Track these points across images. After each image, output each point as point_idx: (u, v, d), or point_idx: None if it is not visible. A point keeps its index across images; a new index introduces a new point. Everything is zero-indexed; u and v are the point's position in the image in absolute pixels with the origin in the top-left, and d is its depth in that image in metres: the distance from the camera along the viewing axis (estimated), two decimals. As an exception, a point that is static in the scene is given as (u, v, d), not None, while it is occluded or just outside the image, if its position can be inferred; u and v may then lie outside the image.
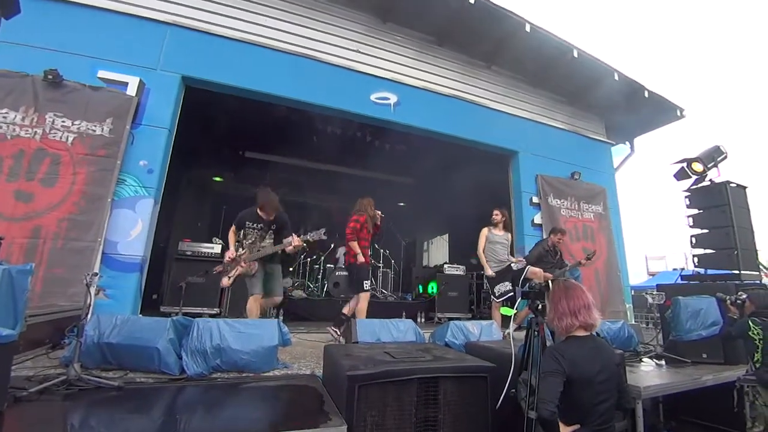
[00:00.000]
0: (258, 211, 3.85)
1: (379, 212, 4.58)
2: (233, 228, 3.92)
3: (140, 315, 3.87)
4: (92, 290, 2.63)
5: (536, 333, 2.08)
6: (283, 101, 5.39)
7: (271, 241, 3.86)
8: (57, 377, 2.13)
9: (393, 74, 5.88)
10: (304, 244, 3.84)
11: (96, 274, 2.46)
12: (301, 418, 2.09)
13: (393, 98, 5.76)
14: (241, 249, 3.82)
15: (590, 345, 1.81)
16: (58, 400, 2.00)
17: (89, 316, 2.62)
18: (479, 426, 2.16)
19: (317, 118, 6.16)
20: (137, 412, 2.01)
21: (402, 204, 11.25)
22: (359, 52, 5.72)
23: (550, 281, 1.97)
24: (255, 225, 3.84)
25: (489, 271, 5.04)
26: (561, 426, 1.66)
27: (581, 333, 1.82)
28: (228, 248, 3.88)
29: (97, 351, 2.49)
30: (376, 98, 5.68)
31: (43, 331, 2.88)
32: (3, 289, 1.67)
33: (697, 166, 4.83)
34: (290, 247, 3.72)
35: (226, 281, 3.73)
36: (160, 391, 2.32)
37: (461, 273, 7.30)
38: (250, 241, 3.83)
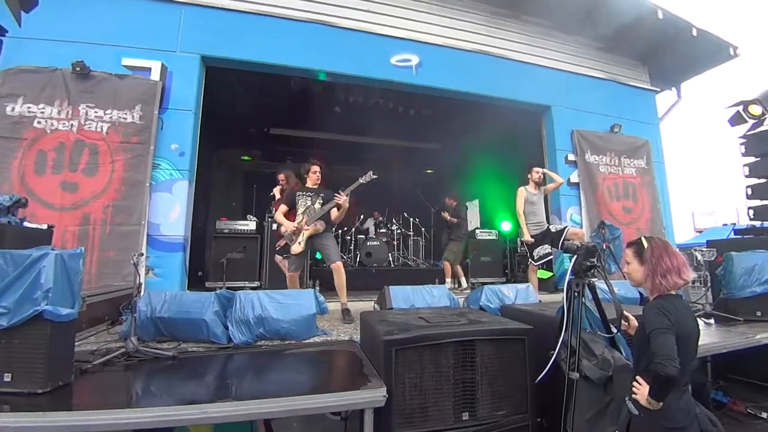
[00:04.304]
0: (306, 183, 4.09)
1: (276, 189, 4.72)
2: (283, 209, 4.02)
3: (187, 291, 4.12)
4: (141, 270, 2.81)
5: (576, 294, 2.02)
6: (302, 72, 5.29)
7: (320, 206, 3.95)
8: (117, 350, 2.32)
9: (413, 33, 5.57)
10: (347, 196, 3.87)
11: (142, 254, 2.61)
12: (343, 380, 2.19)
13: (415, 59, 5.50)
14: (300, 217, 3.92)
15: (684, 304, 1.76)
16: (120, 371, 2.19)
17: (141, 293, 2.82)
18: (517, 387, 2.17)
19: (338, 87, 6.04)
20: (192, 378, 2.17)
21: (430, 171, 11.06)
22: (370, 12, 5.42)
23: (643, 238, 1.88)
24: (305, 194, 4.00)
25: (528, 237, 4.76)
26: (645, 386, 1.61)
27: (673, 291, 1.76)
28: (282, 226, 3.97)
29: (151, 325, 2.68)
30: (397, 61, 5.44)
31: (101, 309, 3.13)
32: (58, 273, 1.80)
33: (755, 109, 4.37)
34: (341, 200, 3.81)
35: (297, 248, 3.82)
36: (211, 358, 2.49)
37: (494, 237, 7.18)
38: (302, 209, 3.93)
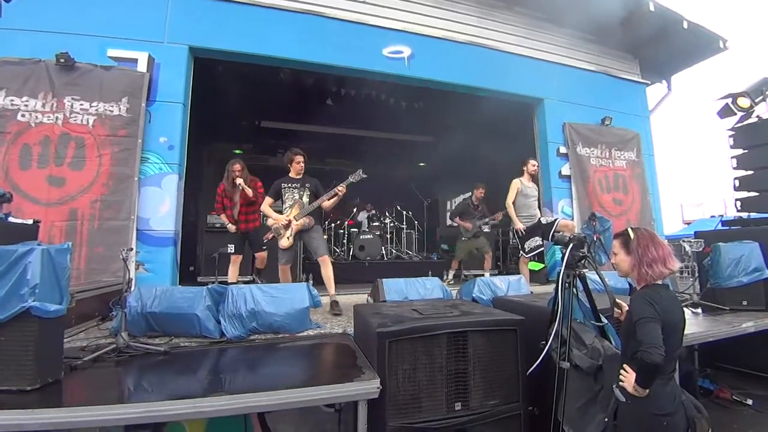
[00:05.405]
0: (289, 174, 4.03)
1: (240, 181, 4.31)
2: (269, 200, 4.00)
3: (179, 286, 4.08)
4: (131, 265, 2.77)
5: (567, 285, 2.04)
6: (293, 64, 5.23)
7: (309, 200, 3.92)
8: (108, 346, 2.28)
9: (405, 24, 5.52)
10: (345, 190, 3.85)
11: (131, 249, 2.57)
12: (337, 372, 2.19)
13: (407, 51, 5.45)
14: (288, 211, 3.90)
15: (670, 293, 1.78)
16: (111, 367, 2.17)
17: (131, 289, 2.79)
18: (509, 377, 2.19)
19: (330, 79, 5.97)
20: (185, 373, 2.16)
21: (422, 164, 11.05)
22: (362, 2, 5.36)
23: (629, 229, 1.90)
24: (290, 185, 3.97)
25: (519, 225, 4.75)
26: (632, 373, 1.63)
27: (659, 281, 1.78)
28: (270, 218, 3.94)
29: (142, 320, 2.64)
30: (389, 52, 5.39)
31: (91, 305, 3.08)
32: (45, 268, 1.76)
33: (743, 102, 4.41)
34: (341, 191, 3.80)
35: (285, 242, 3.80)
36: (203, 353, 2.48)
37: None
38: (290, 202, 3.91)
